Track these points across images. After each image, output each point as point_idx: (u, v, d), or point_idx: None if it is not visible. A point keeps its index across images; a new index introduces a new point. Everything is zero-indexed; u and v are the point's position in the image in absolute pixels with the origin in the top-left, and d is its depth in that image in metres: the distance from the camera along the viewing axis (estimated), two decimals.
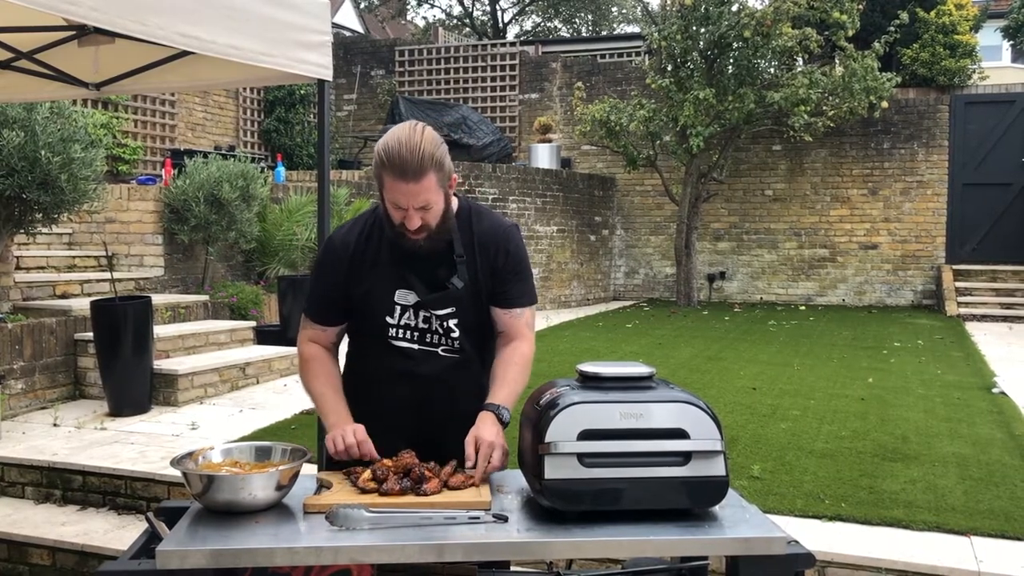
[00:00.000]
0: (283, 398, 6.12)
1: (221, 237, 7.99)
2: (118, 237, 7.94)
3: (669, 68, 11.52)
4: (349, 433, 2.13)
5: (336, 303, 2.29)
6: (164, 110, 11.87)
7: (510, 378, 2.23)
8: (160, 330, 6.38)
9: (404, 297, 2.24)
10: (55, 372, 5.99)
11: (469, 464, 2.04)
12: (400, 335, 2.26)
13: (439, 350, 2.27)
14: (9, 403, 5.51)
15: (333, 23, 4.65)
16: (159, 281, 7.84)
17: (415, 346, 2.26)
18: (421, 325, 2.26)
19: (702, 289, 12.91)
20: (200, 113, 12.71)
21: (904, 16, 11.06)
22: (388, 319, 2.25)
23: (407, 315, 2.25)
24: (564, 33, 26.51)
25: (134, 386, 5.72)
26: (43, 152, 5.61)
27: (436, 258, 2.22)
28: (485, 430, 2.08)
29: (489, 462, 2.04)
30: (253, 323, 7.51)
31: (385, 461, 2.05)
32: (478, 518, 1.86)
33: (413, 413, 2.28)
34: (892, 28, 11.06)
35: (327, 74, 3.89)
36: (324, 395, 2.26)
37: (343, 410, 2.23)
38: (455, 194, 2.26)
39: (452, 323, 2.25)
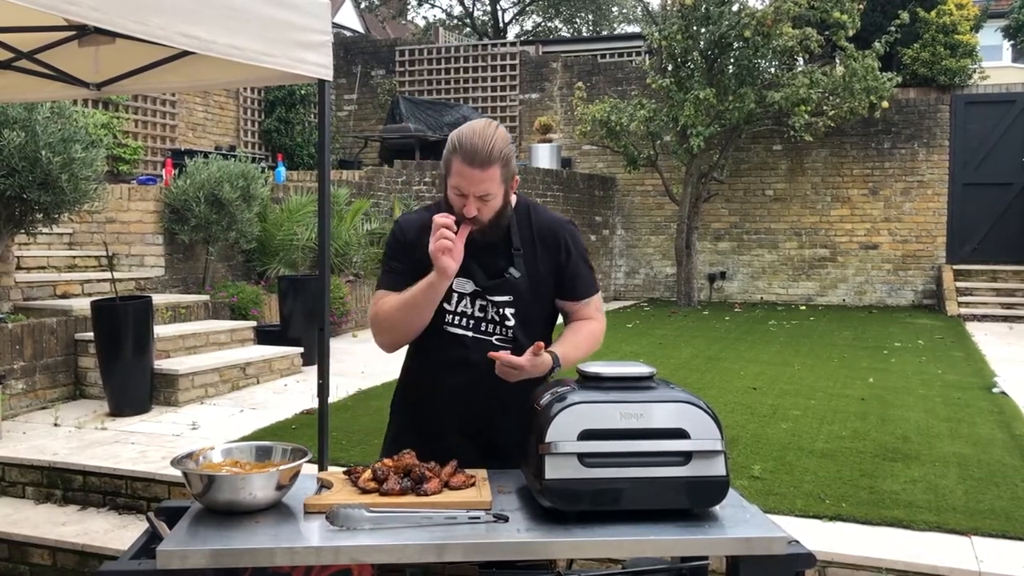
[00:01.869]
0: (283, 398, 6.12)
1: (222, 237, 7.99)
2: (118, 237, 7.94)
3: (669, 68, 11.52)
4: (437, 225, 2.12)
5: (403, 276, 2.31)
6: (165, 110, 11.87)
7: (571, 340, 2.31)
8: (160, 330, 6.38)
9: (462, 285, 2.28)
10: (56, 372, 5.99)
11: (500, 355, 2.13)
12: (456, 321, 2.29)
13: (493, 339, 2.29)
14: (10, 403, 5.51)
15: (333, 23, 4.66)
16: (159, 281, 7.85)
17: (469, 333, 2.29)
18: (477, 313, 2.29)
19: (702, 289, 12.91)
20: (201, 113, 12.71)
21: (905, 16, 11.06)
22: (445, 305, 2.28)
23: (464, 302, 2.29)
24: (564, 33, 26.52)
25: (134, 386, 5.73)
26: (44, 152, 5.61)
27: (496, 250, 2.28)
28: (534, 361, 2.14)
29: (504, 362, 2.12)
30: (253, 323, 7.51)
31: (386, 461, 2.05)
32: (478, 518, 1.85)
33: (464, 402, 2.29)
34: (893, 28, 11.06)
35: (327, 74, 3.89)
36: (401, 295, 2.26)
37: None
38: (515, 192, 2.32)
39: (508, 312, 2.28)
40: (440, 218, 2.13)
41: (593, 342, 2.36)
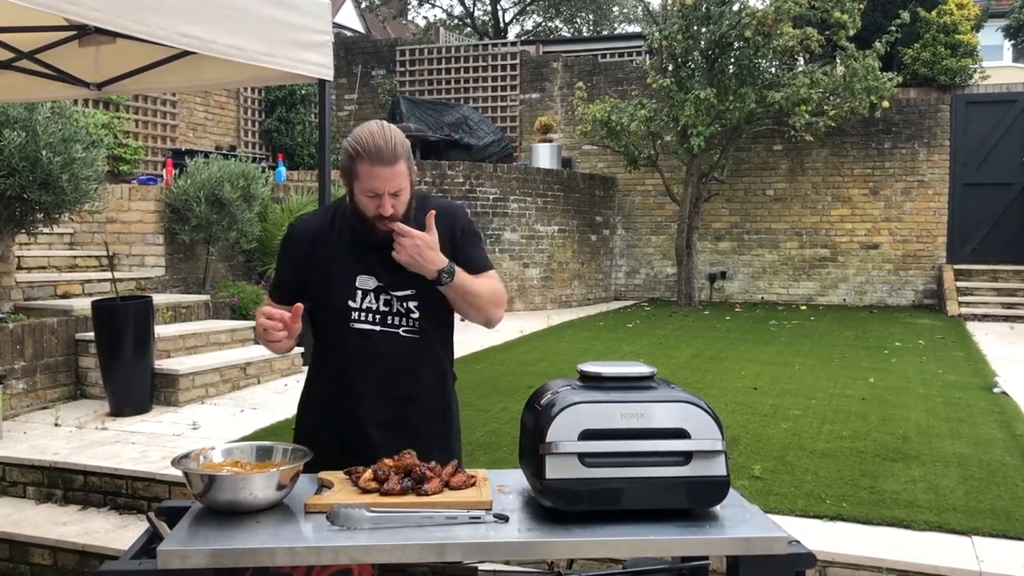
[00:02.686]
0: (284, 398, 6.12)
1: (222, 237, 7.99)
2: (119, 237, 7.94)
3: (670, 68, 11.52)
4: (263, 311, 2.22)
5: (292, 285, 2.39)
6: (165, 110, 11.88)
7: (482, 280, 2.35)
8: (161, 330, 6.38)
9: (365, 282, 2.33)
10: (56, 372, 5.99)
11: (400, 227, 2.21)
12: (362, 318, 2.33)
13: (400, 331, 2.34)
14: (10, 403, 5.51)
15: (334, 23, 4.65)
16: (160, 281, 7.85)
17: (376, 327, 2.33)
18: (382, 308, 2.33)
19: (703, 289, 12.91)
20: (201, 113, 12.71)
21: (905, 16, 11.05)
22: (351, 303, 2.33)
23: (368, 298, 2.33)
24: (565, 33, 26.52)
25: (135, 386, 5.73)
26: (44, 152, 5.61)
27: (394, 244, 2.30)
28: (432, 245, 2.24)
29: (405, 234, 2.20)
30: (254, 323, 7.50)
31: (386, 461, 2.04)
32: (479, 518, 1.85)
33: (378, 395, 2.34)
34: (893, 28, 11.05)
35: (328, 74, 3.89)
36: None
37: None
38: None
39: (412, 304, 2.33)
40: (262, 319, 2.20)
41: (492, 290, 2.36)
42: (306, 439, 2.41)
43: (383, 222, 2.25)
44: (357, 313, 2.32)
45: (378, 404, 2.34)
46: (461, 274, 2.28)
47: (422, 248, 2.22)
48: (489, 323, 2.39)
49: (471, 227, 2.44)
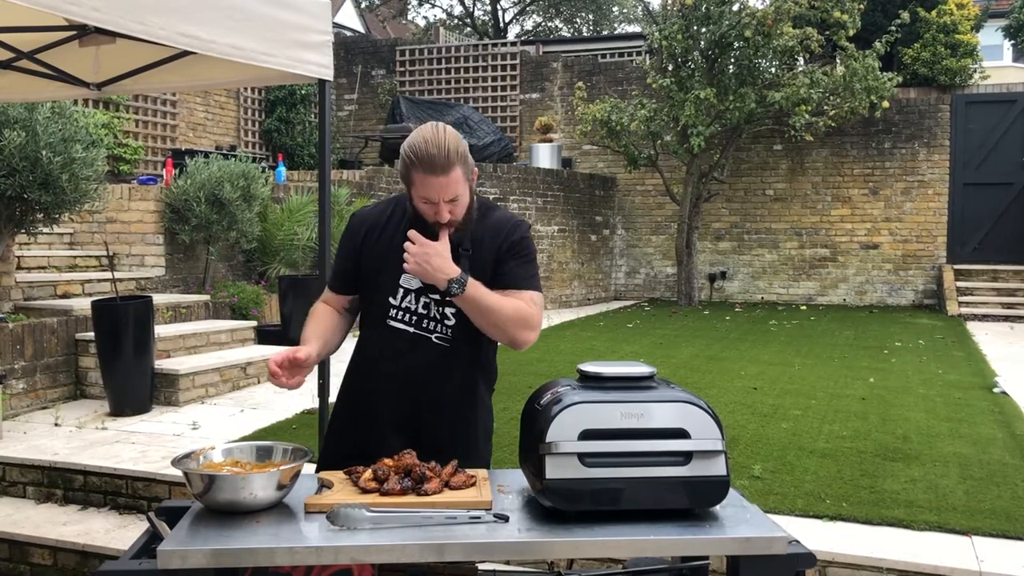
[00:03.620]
0: (284, 398, 6.12)
1: (222, 237, 7.99)
2: (119, 237, 7.94)
3: (670, 68, 11.52)
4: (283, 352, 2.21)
5: (349, 275, 2.41)
6: (165, 110, 11.87)
7: (498, 295, 2.24)
8: (161, 330, 6.38)
9: (409, 281, 2.31)
10: (56, 372, 5.99)
11: (414, 235, 2.19)
12: (398, 316, 2.33)
13: (432, 336, 2.31)
14: (10, 403, 5.51)
15: (334, 23, 4.65)
16: (160, 281, 7.85)
17: (410, 329, 2.32)
18: (420, 310, 2.32)
19: (703, 289, 12.91)
20: (201, 113, 12.71)
21: (905, 16, 11.05)
22: (391, 299, 2.32)
23: (408, 298, 2.32)
24: (565, 33, 26.52)
25: (135, 386, 5.73)
26: (44, 152, 5.61)
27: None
28: (444, 254, 2.19)
29: (419, 251, 2.17)
30: (254, 323, 7.51)
31: (386, 461, 2.05)
32: (479, 518, 1.86)
33: (398, 395, 2.32)
34: (893, 28, 11.06)
35: (328, 74, 3.89)
36: (305, 332, 2.38)
37: (307, 341, 2.32)
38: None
39: (450, 311, 2.30)
40: (272, 366, 2.18)
41: (516, 309, 2.23)
42: (336, 432, 2.46)
43: (441, 228, 2.22)
44: (395, 311, 2.32)
45: (396, 404, 2.32)
46: (476, 287, 2.18)
47: (430, 256, 2.15)
48: (514, 344, 2.26)
49: (522, 244, 2.32)
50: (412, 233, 2.19)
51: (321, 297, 2.49)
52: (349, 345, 2.49)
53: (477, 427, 2.39)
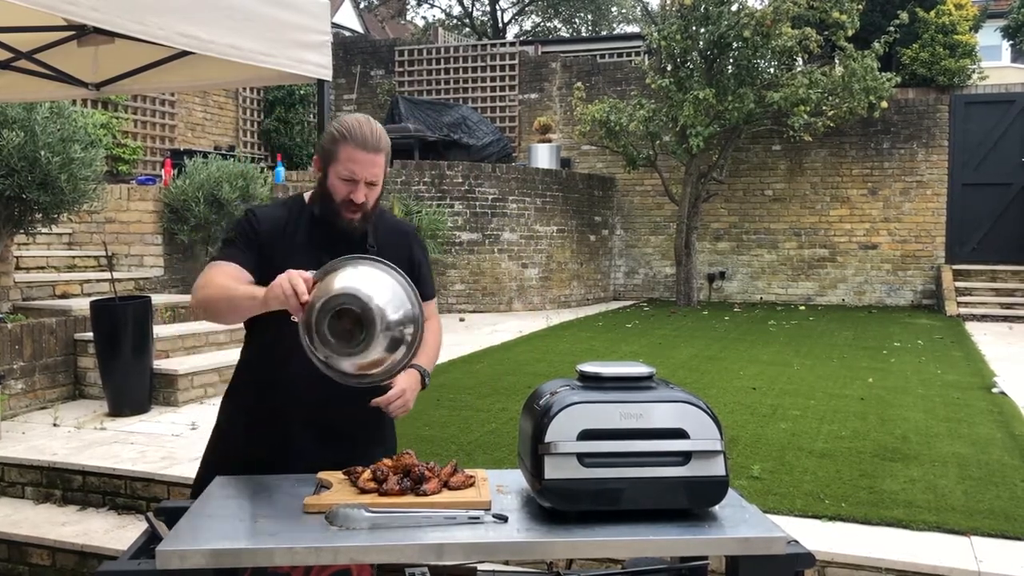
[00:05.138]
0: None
1: (221, 237, 7.99)
2: (118, 237, 7.94)
3: (669, 68, 11.53)
4: (295, 276, 2.02)
5: (244, 257, 2.28)
6: (164, 110, 11.87)
7: (429, 347, 2.43)
8: (160, 330, 6.38)
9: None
10: (55, 372, 5.99)
11: (382, 401, 2.23)
12: None
13: None
14: (9, 403, 5.51)
15: (333, 23, 4.65)
16: (159, 281, 7.85)
17: None
18: None
19: (702, 289, 12.91)
20: (200, 113, 12.71)
21: (904, 16, 11.06)
22: None
23: None
24: (564, 33, 26.53)
25: (134, 386, 5.72)
26: (43, 152, 5.61)
27: (350, 244, 2.31)
28: (407, 381, 2.29)
29: (392, 403, 2.24)
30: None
31: (385, 461, 2.05)
32: (478, 518, 1.86)
33: (307, 390, 2.28)
34: (892, 28, 11.06)
35: (327, 74, 3.89)
36: (237, 287, 2.21)
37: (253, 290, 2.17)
38: None
39: None
40: (299, 281, 2.01)
41: (438, 343, 2.53)
42: (237, 436, 2.41)
43: (350, 210, 2.27)
44: None
45: (306, 398, 2.30)
46: (428, 366, 2.40)
47: (408, 399, 2.28)
48: None
49: (424, 252, 2.53)
50: (377, 403, 2.22)
51: (212, 270, 2.27)
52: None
53: (384, 416, 2.38)
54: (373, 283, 2.03)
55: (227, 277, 2.22)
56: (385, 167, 2.31)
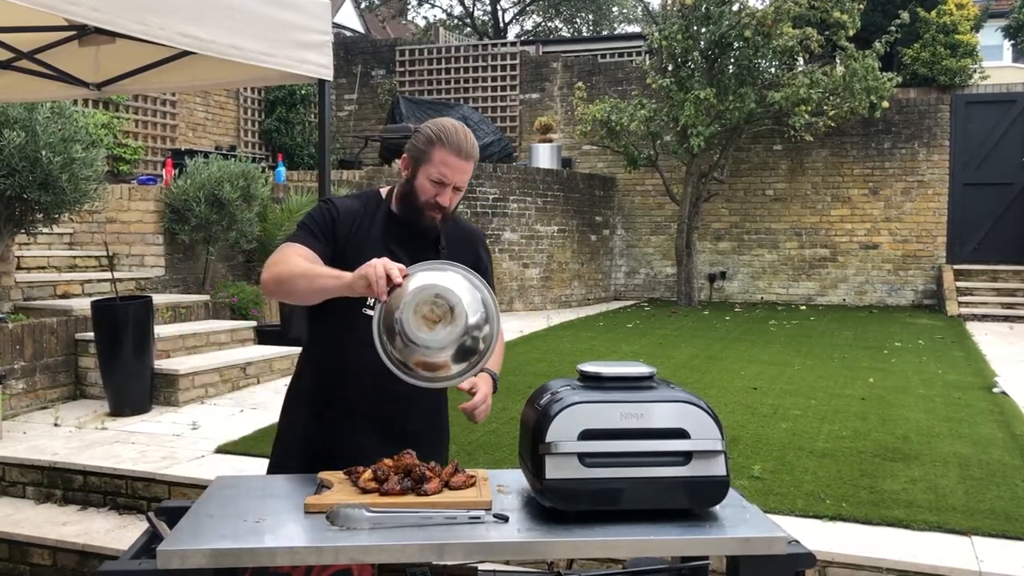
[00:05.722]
0: (284, 398, 6.12)
1: (222, 237, 7.99)
2: (119, 237, 7.94)
3: (670, 68, 11.52)
4: (389, 262, 2.02)
5: (320, 244, 2.29)
6: (165, 110, 11.87)
7: (496, 351, 2.39)
8: (161, 330, 6.38)
9: None
10: (56, 372, 5.99)
11: (468, 406, 2.22)
12: (374, 304, 2.27)
13: None
14: (10, 403, 5.51)
15: (333, 23, 4.65)
16: (160, 281, 7.85)
17: None
18: None
19: (703, 289, 12.91)
20: (201, 113, 12.71)
21: (905, 16, 11.05)
22: None
23: None
24: (565, 33, 26.53)
25: (135, 386, 5.73)
26: (44, 152, 5.61)
27: (424, 243, 2.34)
28: (487, 386, 2.28)
29: (478, 408, 2.23)
30: (254, 323, 7.51)
31: (386, 461, 2.05)
32: (479, 518, 1.85)
33: (374, 388, 2.29)
34: (893, 28, 11.06)
35: (328, 74, 3.89)
36: (310, 266, 2.22)
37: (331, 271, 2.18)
38: None
39: None
40: (394, 268, 2.01)
41: (502, 348, 2.48)
42: (292, 435, 2.45)
43: (434, 211, 2.29)
44: (372, 300, 2.27)
45: (372, 393, 2.32)
46: (496, 370, 2.37)
47: (489, 404, 2.27)
48: None
49: (488, 256, 2.54)
50: (474, 400, 2.22)
51: (287, 250, 2.27)
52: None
53: (444, 410, 2.50)
54: (461, 287, 2.08)
55: (302, 258, 2.25)
56: (471, 173, 2.35)
